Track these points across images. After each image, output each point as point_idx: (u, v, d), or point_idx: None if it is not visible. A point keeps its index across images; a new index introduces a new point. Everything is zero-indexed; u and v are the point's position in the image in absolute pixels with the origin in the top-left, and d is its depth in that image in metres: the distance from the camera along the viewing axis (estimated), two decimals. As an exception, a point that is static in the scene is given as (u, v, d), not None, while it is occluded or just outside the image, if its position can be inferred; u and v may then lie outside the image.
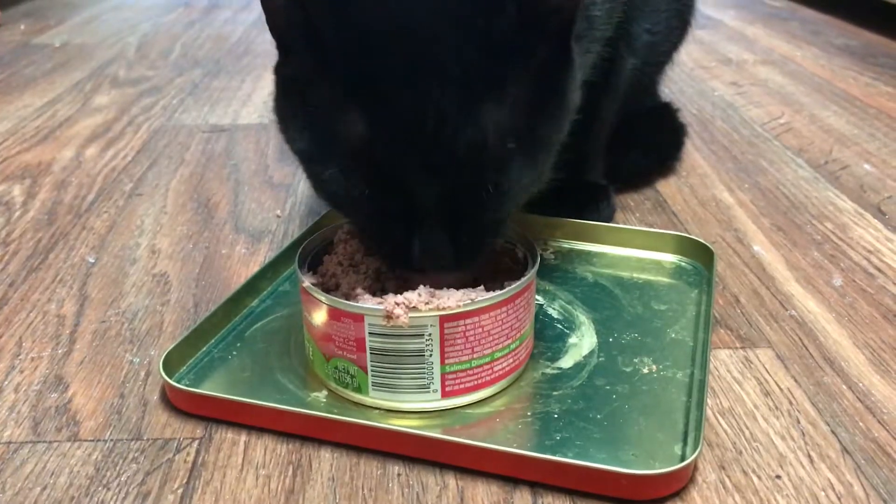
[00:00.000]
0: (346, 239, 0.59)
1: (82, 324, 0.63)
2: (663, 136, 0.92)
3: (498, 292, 0.51)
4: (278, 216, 0.81)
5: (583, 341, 0.60)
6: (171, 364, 0.55)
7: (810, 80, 1.27)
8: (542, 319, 0.62)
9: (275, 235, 0.77)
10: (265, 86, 1.26)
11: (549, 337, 0.60)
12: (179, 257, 0.73)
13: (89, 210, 0.83)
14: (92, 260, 0.73)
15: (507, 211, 0.53)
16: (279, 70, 0.55)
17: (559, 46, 0.53)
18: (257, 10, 1.81)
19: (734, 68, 1.34)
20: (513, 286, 0.52)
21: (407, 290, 0.53)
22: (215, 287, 0.68)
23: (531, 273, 0.54)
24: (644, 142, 0.89)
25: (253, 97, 1.20)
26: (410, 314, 0.49)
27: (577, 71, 0.55)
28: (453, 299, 0.50)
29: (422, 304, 0.49)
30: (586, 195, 0.79)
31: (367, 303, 0.51)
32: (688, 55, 1.39)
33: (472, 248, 0.52)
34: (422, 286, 0.51)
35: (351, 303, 0.51)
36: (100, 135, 1.04)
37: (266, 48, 1.49)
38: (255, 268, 0.71)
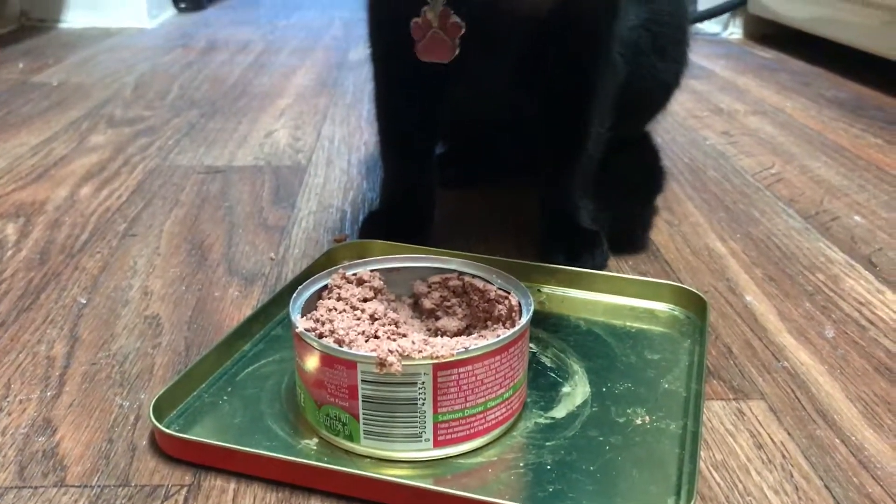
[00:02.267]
0: (340, 284, 0.59)
1: (72, 366, 0.62)
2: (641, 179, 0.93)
3: (492, 341, 0.51)
4: (272, 259, 0.81)
5: (576, 391, 0.60)
6: (160, 408, 0.54)
7: (801, 131, 1.28)
8: (535, 367, 0.62)
9: (268, 279, 0.77)
10: (261, 128, 1.26)
11: (542, 386, 0.60)
12: (172, 299, 0.73)
13: (82, 250, 0.83)
14: (84, 301, 0.72)
15: None
16: None
17: None
18: (254, 53, 1.84)
19: (725, 118, 1.36)
20: (507, 335, 0.52)
21: (400, 337, 0.53)
22: (207, 330, 0.68)
23: (525, 321, 0.54)
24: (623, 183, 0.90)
25: (249, 139, 1.21)
26: (403, 362, 0.49)
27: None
28: (447, 347, 0.50)
29: (415, 352, 0.49)
30: (580, 242, 0.79)
31: (361, 349, 0.51)
32: (680, 105, 1.41)
33: None
34: (415, 334, 0.51)
35: (344, 349, 0.51)
36: (95, 174, 1.05)
37: (261, 90, 1.50)
38: (247, 311, 0.71)
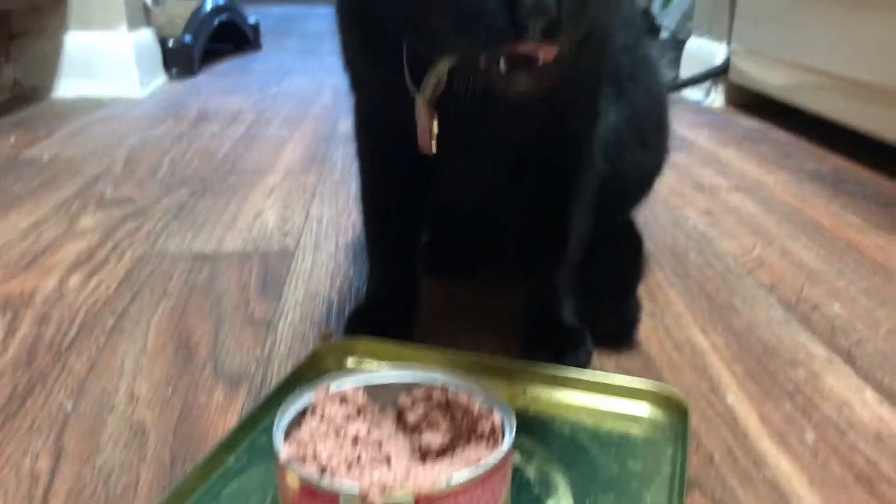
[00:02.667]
0: (323, 402, 0.60)
1: (56, 482, 0.62)
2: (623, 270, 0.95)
3: (474, 471, 0.52)
4: (257, 358, 0.82)
5: (559, 506, 0.60)
6: (144, 533, 0.54)
7: (781, 208, 1.31)
8: (518, 483, 0.62)
9: (253, 381, 0.78)
10: (250, 208, 1.28)
11: (525, 502, 0.61)
12: (158, 405, 0.73)
13: (70, 348, 0.83)
14: (70, 406, 0.73)
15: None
16: None
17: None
18: (244, 124, 1.87)
19: (707, 195, 1.38)
20: (489, 463, 0.52)
21: (384, 460, 0.53)
22: (193, 439, 0.68)
23: (507, 445, 0.55)
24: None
25: (237, 220, 1.22)
26: (385, 495, 0.49)
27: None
28: (429, 479, 0.50)
29: (397, 485, 0.50)
30: (564, 340, 0.80)
31: (343, 479, 0.51)
32: (662, 181, 1.43)
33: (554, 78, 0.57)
34: (398, 465, 0.51)
35: (325, 482, 0.51)
36: (83, 262, 1.05)
37: (251, 166, 1.52)
38: (232, 418, 0.71)
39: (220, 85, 2.41)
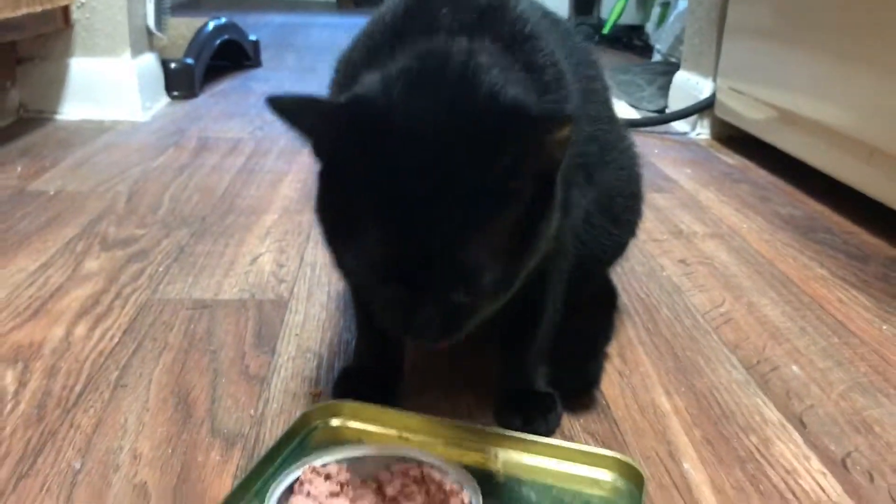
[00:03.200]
0: (311, 478, 0.66)
1: (67, 544, 0.69)
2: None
3: (442, 551, 0.58)
4: (252, 416, 0.88)
5: (521, 575, 0.67)
6: None
7: (753, 260, 1.37)
8: (485, 550, 0.69)
9: (247, 440, 0.84)
10: (246, 252, 1.34)
11: (490, 569, 0.67)
12: (159, 465, 0.80)
13: (77, 404, 0.89)
14: (78, 465, 0.79)
15: (480, 309, 0.66)
16: (321, 175, 0.68)
17: (545, 186, 0.66)
18: (244, 155, 1.93)
19: (684, 242, 1.45)
20: (455, 546, 0.59)
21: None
22: (190, 501, 0.75)
23: (472, 527, 0.61)
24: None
25: (235, 266, 1.28)
26: (363, 575, 0.56)
27: (556, 205, 0.68)
28: (403, 560, 0.57)
29: (373, 566, 0.56)
30: (534, 407, 0.86)
31: (326, 559, 0.58)
32: (641, 225, 1.49)
33: (453, 329, 0.66)
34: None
35: (311, 562, 0.58)
36: (88, 309, 1.12)
37: (249, 204, 1.58)
38: (227, 478, 0.78)
39: (221, 108, 2.47)
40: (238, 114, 2.40)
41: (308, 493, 0.65)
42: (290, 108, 0.63)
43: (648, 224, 1.52)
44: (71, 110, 2.24)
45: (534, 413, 0.86)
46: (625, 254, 1.08)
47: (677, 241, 1.46)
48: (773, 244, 1.45)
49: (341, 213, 0.66)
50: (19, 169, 1.77)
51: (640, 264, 1.34)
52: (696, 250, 1.41)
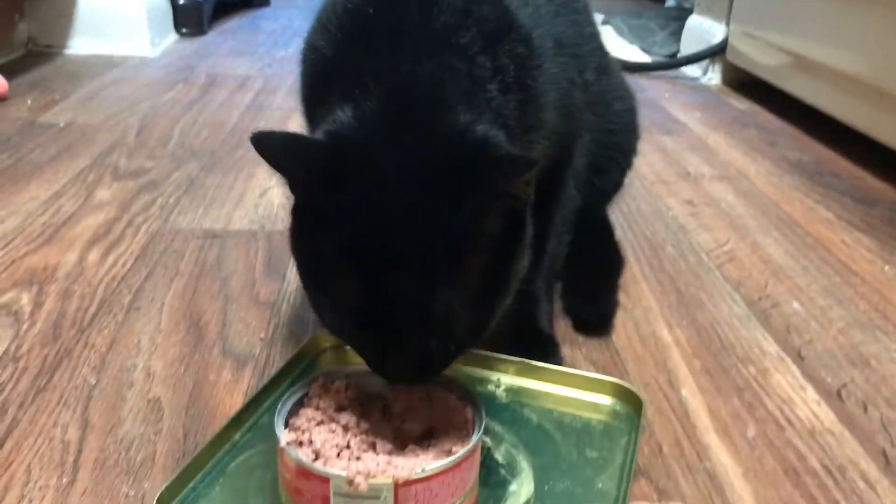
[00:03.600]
0: (319, 393, 0.68)
1: (84, 451, 0.72)
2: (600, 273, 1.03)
3: (446, 461, 0.60)
4: (262, 339, 0.90)
5: (521, 489, 0.69)
6: (162, 501, 0.63)
7: (759, 201, 1.38)
8: (488, 464, 0.71)
9: (258, 361, 0.86)
10: (256, 185, 1.35)
11: (492, 483, 0.69)
12: (171, 382, 0.82)
13: (91, 325, 0.91)
14: (93, 381, 0.81)
15: (453, 355, 0.65)
16: (295, 212, 0.67)
17: (514, 224, 0.64)
18: (252, 92, 1.93)
19: (691, 184, 1.45)
20: (458, 455, 0.61)
21: (370, 451, 0.62)
22: (203, 416, 0.77)
23: (475, 439, 0.63)
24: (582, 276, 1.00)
25: (245, 198, 1.30)
26: (369, 480, 0.58)
27: (527, 239, 0.66)
28: (407, 468, 0.59)
29: (379, 472, 0.59)
30: (537, 346, 0.88)
31: (335, 465, 0.60)
32: (650, 167, 1.51)
33: (427, 373, 0.66)
34: (382, 454, 0.60)
35: (319, 467, 0.60)
36: (101, 237, 1.13)
37: (259, 139, 1.59)
38: (238, 396, 0.80)
39: (229, 45, 2.46)
40: (247, 52, 2.39)
41: (317, 407, 0.67)
42: (271, 148, 0.60)
43: (656, 166, 1.52)
44: (79, 45, 2.23)
45: (536, 351, 0.87)
46: (624, 191, 1.09)
47: (685, 182, 1.46)
48: (779, 187, 1.45)
49: (314, 254, 0.64)
50: (29, 101, 1.77)
51: (647, 204, 1.35)
52: (703, 192, 1.42)
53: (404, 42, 0.67)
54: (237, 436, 0.74)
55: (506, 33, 0.71)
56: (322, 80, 0.72)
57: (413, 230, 0.60)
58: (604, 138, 0.94)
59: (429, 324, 0.61)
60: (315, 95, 0.74)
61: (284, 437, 0.63)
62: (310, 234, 0.65)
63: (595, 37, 0.95)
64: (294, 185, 0.64)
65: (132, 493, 0.67)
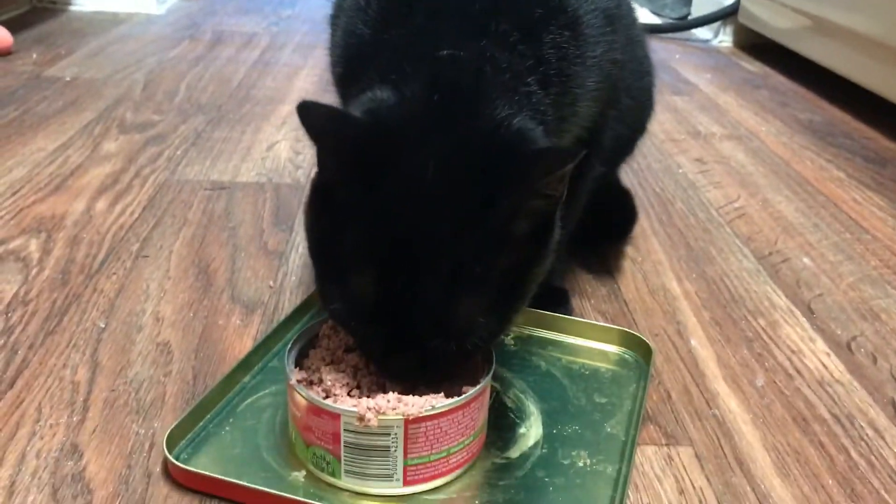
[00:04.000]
0: (329, 334, 0.68)
1: (94, 391, 0.72)
2: (613, 223, 1.02)
3: (456, 399, 0.60)
4: (271, 287, 0.90)
5: (530, 432, 0.69)
6: (172, 439, 0.64)
7: (770, 160, 1.37)
8: (496, 408, 0.71)
9: (267, 308, 0.86)
10: (263, 139, 1.35)
11: (501, 426, 0.70)
12: (181, 326, 0.82)
13: (99, 271, 0.91)
14: (102, 325, 0.81)
15: (461, 359, 0.62)
16: (317, 189, 0.63)
17: (542, 225, 0.61)
18: (259, 49, 1.91)
19: (702, 142, 1.44)
20: (468, 394, 0.61)
21: (379, 392, 0.62)
22: (212, 359, 0.77)
23: (485, 381, 0.63)
24: (594, 226, 0.99)
25: (252, 151, 1.29)
26: (380, 417, 0.58)
27: (554, 243, 0.63)
28: (417, 406, 0.59)
29: (390, 409, 0.59)
30: (548, 300, 0.87)
31: (345, 403, 0.60)
32: (660, 125, 1.49)
33: (432, 376, 0.63)
34: (391, 393, 0.60)
35: (330, 403, 0.60)
36: (108, 187, 1.13)
37: (265, 94, 1.58)
38: (248, 341, 0.80)
39: (235, 4, 2.44)
40: (253, 9, 2.37)
41: (327, 348, 0.67)
42: (316, 118, 0.57)
43: (667, 125, 1.51)
44: (85, 1, 2.21)
45: (548, 305, 0.87)
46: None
47: (695, 141, 1.45)
48: (790, 147, 1.44)
49: (331, 237, 0.61)
50: (35, 56, 1.76)
51: (657, 161, 1.34)
52: (714, 150, 1.41)
53: (443, 25, 0.64)
54: (247, 378, 0.74)
55: (551, 18, 0.67)
56: (357, 58, 0.69)
57: (442, 228, 0.57)
58: (624, 114, 0.93)
59: (446, 329, 0.58)
60: (349, 73, 0.71)
61: (295, 375, 0.63)
62: (330, 215, 0.61)
63: (633, 7, 0.94)
64: (327, 158, 0.61)
65: (142, 431, 0.67)
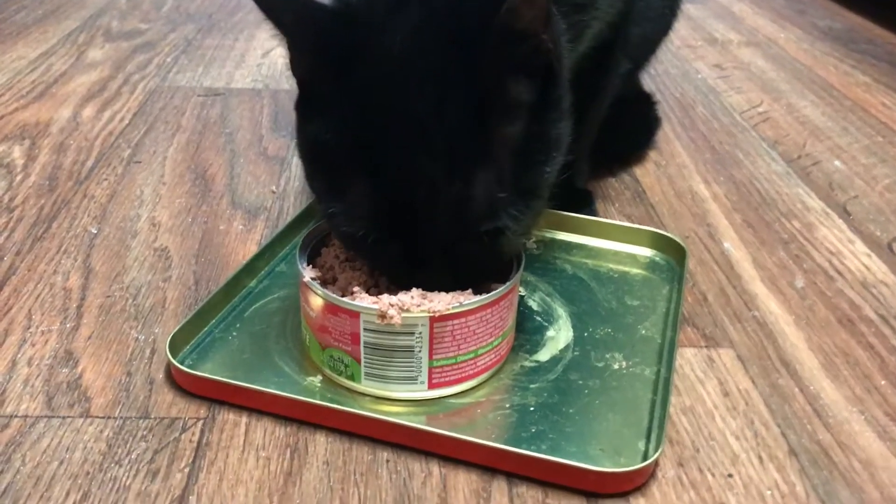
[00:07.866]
0: (342, 232, 0.63)
1: (88, 298, 0.66)
2: (637, 127, 0.97)
3: (484, 296, 0.55)
4: (273, 192, 0.84)
5: (559, 335, 0.64)
6: (175, 344, 0.59)
7: (791, 66, 1.30)
8: (522, 312, 0.67)
9: (270, 213, 0.80)
10: (258, 46, 1.27)
11: (528, 329, 0.65)
12: (179, 231, 0.76)
13: (89, 177, 0.85)
14: (94, 231, 0.76)
15: (503, 253, 0.57)
16: (298, 107, 0.59)
17: (546, 87, 0.55)
18: (249, -41, 1.81)
19: (719, 49, 1.37)
20: (498, 290, 0.56)
21: (400, 290, 0.57)
22: (214, 264, 0.72)
23: (515, 278, 0.58)
24: (617, 130, 0.93)
25: (246, 58, 1.22)
26: (403, 314, 0.53)
27: (565, 105, 0.58)
28: (443, 303, 0.54)
29: (413, 306, 0.53)
30: (574, 201, 0.81)
31: (364, 301, 0.55)
32: (675, 32, 1.41)
33: (469, 279, 0.57)
34: (414, 289, 0.55)
35: (349, 301, 0.55)
36: (95, 94, 1.06)
37: (258, 3, 1.49)
38: (252, 246, 0.75)
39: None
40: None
41: (339, 246, 0.62)
42: (282, 12, 0.53)
43: (682, 31, 1.44)
44: (62, -88, 2.09)
45: (573, 206, 0.81)
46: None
47: (711, 47, 1.38)
48: (811, 53, 1.37)
49: (321, 153, 0.56)
50: (11, -35, 1.66)
51: (674, 67, 1.27)
52: (732, 56, 1.34)
53: None
54: (253, 283, 0.69)
55: None
56: None
57: (430, 106, 0.51)
58: (650, 8, 0.86)
59: (464, 218, 0.52)
60: None
61: (308, 273, 0.58)
62: (315, 127, 0.56)
63: None
64: (296, 50, 0.57)
65: (142, 337, 0.62)
